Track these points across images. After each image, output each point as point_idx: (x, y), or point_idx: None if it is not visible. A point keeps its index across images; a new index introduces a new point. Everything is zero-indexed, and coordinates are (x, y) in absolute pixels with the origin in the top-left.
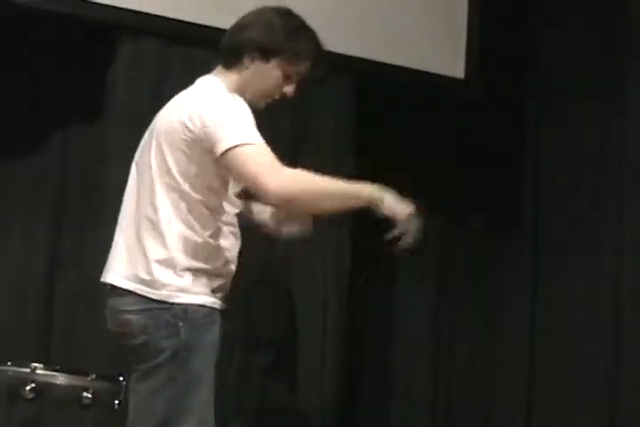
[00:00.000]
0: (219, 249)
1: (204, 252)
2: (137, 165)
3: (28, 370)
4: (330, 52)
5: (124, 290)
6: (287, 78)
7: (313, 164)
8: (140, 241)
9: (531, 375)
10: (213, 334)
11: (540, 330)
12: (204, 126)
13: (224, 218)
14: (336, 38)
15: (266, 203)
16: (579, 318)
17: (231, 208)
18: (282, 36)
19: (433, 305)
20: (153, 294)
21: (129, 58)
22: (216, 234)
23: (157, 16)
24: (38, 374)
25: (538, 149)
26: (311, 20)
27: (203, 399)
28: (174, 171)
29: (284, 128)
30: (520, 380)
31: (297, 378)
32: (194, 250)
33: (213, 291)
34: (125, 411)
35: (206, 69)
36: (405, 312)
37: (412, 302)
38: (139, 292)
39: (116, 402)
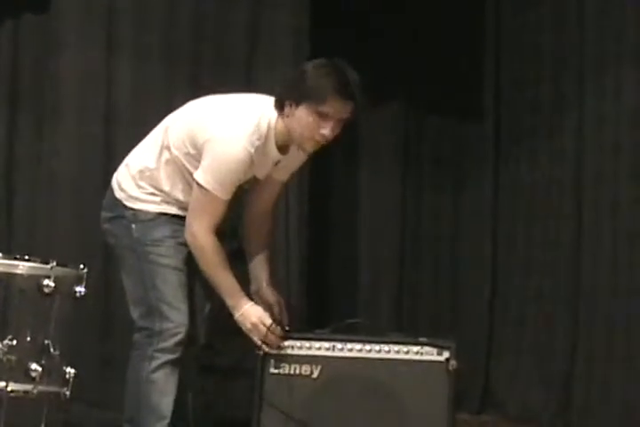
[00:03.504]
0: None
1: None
2: (168, 122)
3: None
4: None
5: None
6: (322, 119)
7: (269, 49)
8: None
9: (495, 260)
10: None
11: (502, 213)
12: (206, 152)
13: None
14: None
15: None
16: (540, 200)
17: None
18: (304, 81)
19: (397, 191)
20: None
21: None
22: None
23: None
24: None
25: (497, 34)
26: None
27: (168, 280)
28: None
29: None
30: (484, 264)
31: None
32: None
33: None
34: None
35: None
36: (370, 199)
37: (375, 189)
38: None
39: (78, 289)
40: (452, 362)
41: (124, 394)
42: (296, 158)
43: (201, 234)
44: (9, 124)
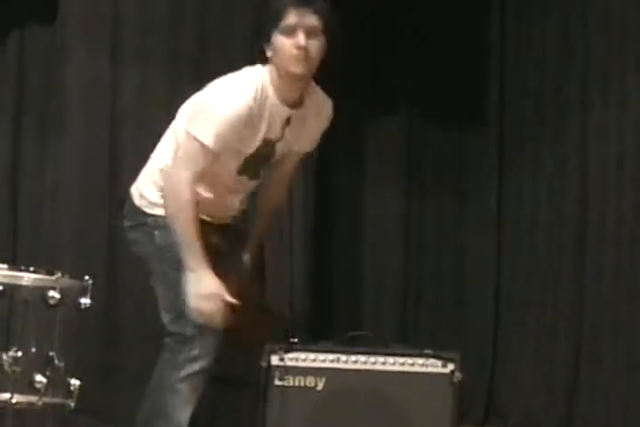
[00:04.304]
0: None
1: None
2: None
3: None
4: None
5: None
6: (291, 34)
7: None
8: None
9: (499, 265)
10: None
11: (506, 221)
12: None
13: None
14: None
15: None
16: (544, 209)
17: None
18: (266, 9)
19: (401, 199)
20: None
21: None
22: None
23: None
24: (3, 275)
25: (502, 39)
26: None
27: None
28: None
29: None
30: (488, 273)
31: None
32: None
33: None
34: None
35: None
36: (373, 210)
37: (379, 199)
38: None
39: (83, 301)
40: (457, 374)
41: (140, 398)
42: (313, 123)
43: (182, 182)
44: (14, 132)
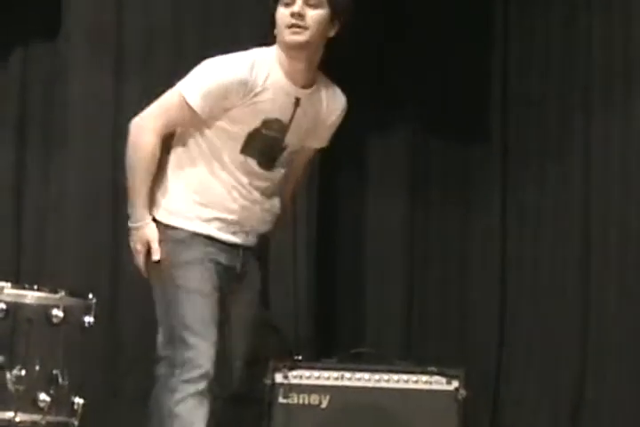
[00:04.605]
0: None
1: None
2: None
3: None
4: None
5: None
6: (288, 6)
7: None
8: None
9: (503, 284)
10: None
11: (510, 234)
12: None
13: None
14: None
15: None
16: (548, 222)
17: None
18: None
19: (405, 213)
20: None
21: None
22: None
23: None
24: (7, 294)
25: (504, 51)
26: None
27: (197, 305)
28: None
29: None
30: (492, 288)
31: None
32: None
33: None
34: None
35: None
36: (377, 224)
37: (382, 213)
38: None
39: (87, 319)
40: (462, 391)
41: (144, 417)
42: (326, 116)
43: (148, 129)
44: (18, 145)
